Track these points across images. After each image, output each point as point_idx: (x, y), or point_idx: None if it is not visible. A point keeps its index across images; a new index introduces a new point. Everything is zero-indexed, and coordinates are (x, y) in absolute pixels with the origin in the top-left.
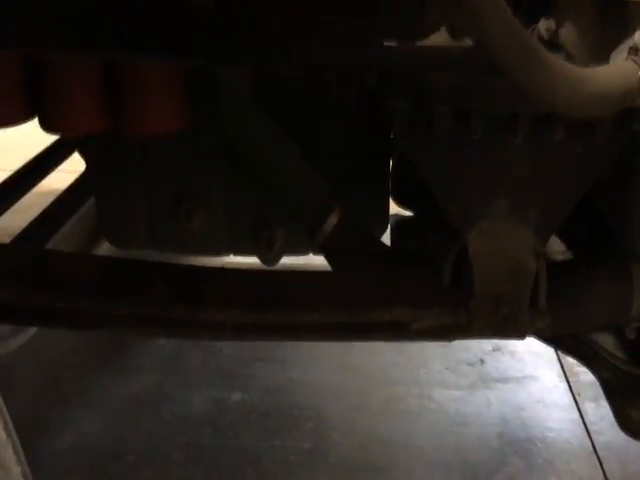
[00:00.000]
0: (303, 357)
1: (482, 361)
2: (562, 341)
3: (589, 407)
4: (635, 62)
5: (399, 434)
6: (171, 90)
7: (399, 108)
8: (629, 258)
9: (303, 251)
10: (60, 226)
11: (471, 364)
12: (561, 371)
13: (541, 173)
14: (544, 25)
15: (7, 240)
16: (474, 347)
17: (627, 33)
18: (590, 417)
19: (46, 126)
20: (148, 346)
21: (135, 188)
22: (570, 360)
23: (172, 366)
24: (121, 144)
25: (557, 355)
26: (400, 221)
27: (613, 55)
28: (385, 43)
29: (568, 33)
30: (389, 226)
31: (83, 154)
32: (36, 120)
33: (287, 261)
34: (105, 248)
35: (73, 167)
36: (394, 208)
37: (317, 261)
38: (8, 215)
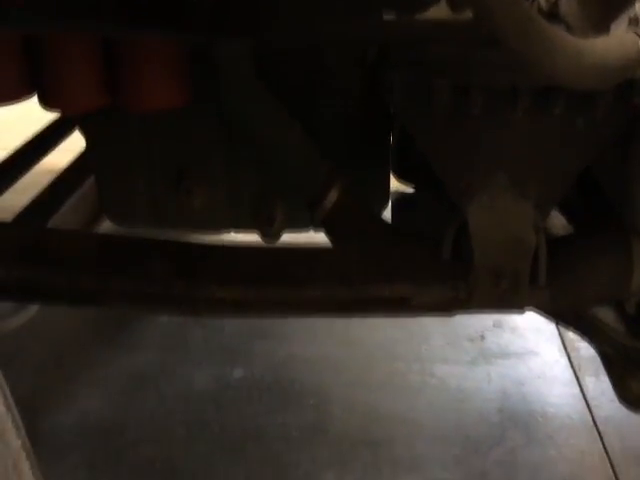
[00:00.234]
0: (304, 333)
1: (483, 337)
2: (562, 315)
3: (590, 382)
4: (635, 33)
5: (400, 409)
6: (171, 66)
7: (398, 82)
8: (629, 232)
9: (304, 227)
10: (61, 204)
11: (472, 340)
12: (562, 346)
13: (541, 147)
14: None
15: (8, 219)
16: (475, 323)
17: (627, 4)
18: (590, 392)
19: (46, 103)
20: (150, 323)
21: (135, 165)
22: (571, 335)
23: (174, 343)
24: (121, 121)
25: (558, 330)
26: (401, 197)
27: (613, 26)
28: (384, 16)
29: (568, 4)
30: (390, 202)
31: (83, 131)
32: (34, 99)
33: (288, 238)
34: (106, 226)
35: (73, 145)
36: (395, 185)
37: (318, 239)
38: (8, 194)
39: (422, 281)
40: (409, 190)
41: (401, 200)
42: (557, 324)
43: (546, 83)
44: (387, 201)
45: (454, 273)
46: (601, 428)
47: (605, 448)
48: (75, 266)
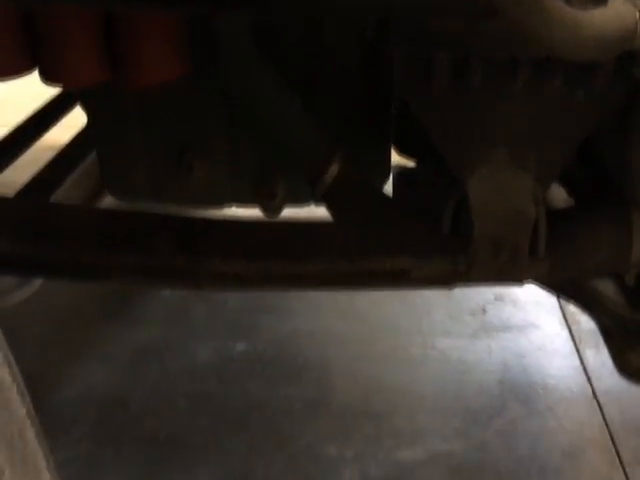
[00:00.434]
0: (307, 307)
1: (484, 310)
2: (562, 288)
3: (590, 354)
4: (633, 4)
5: (401, 381)
6: (171, 40)
7: (398, 56)
8: (629, 204)
9: (305, 202)
10: (62, 180)
11: (473, 313)
12: (563, 319)
13: (541, 119)
14: None
15: (10, 194)
16: (476, 297)
17: None
18: (591, 364)
19: (46, 78)
20: (152, 298)
21: (136, 140)
22: (572, 308)
23: (176, 317)
24: (122, 96)
25: (559, 303)
26: (402, 172)
27: None
28: None
29: None
30: (391, 177)
31: (84, 107)
32: (33, 75)
33: (289, 213)
34: (108, 202)
35: (75, 121)
36: (397, 159)
37: (319, 213)
38: (10, 171)
39: (422, 254)
40: (410, 164)
41: (402, 174)
42: (558, 297)
43: (546, 54)
44: (388, 175)
45: (454, 246)
46: (601, 400)
47: (605, 420)
48: (77, 241)
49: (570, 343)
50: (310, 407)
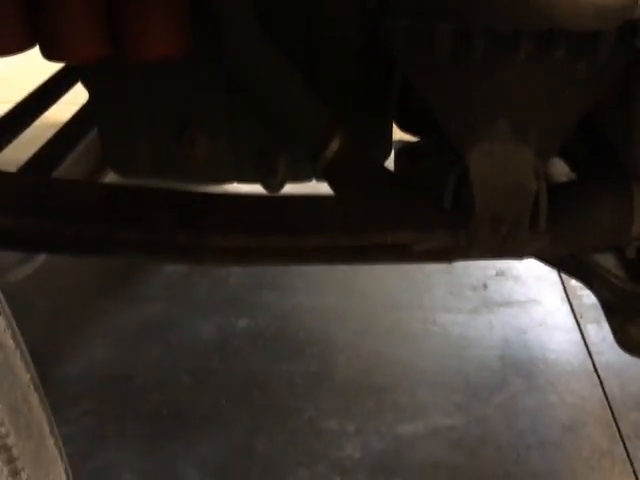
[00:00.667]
0: (309, 284)
1: (485, 286)
2: (563, 262)
3: (591, 329)
4: None
5: (403, 356)
6: (172, 14)
7: (399, 28)
8: (630, 177)
9: (306, 178)
10: (64, 157)
11: (474, 289)
12: (564, 294)
13: (542, 92)
14: None
15: (12, 171)
16: (477, 272)
17: None
18: (592, 338)
19: (47, 53)
20: (155, 275)
21: (138, 116)
22: (573, 283)
23: (179, 294)
24: (123, 72)
25: (560, 279)
26: (404, 147)
27: None
28: None
29: None
30: (393, 152)
31: (85, 83)
32: (35, 52)
33: (290, 189)
34: (110, 178)
35: (77, 98)
36: (399, 135)
37: (321, 190)
38: (12, 148)
39: (423, 229)
40: (412, 139)
41: (404, 149)
42: (559, 272)
43: (547, 26)
44: (390, 151)
45: (455, 220)
46: (601, 374)
47: (605, 394)
48: (78, 216)
49: (571, 318)
50: (312, 382)
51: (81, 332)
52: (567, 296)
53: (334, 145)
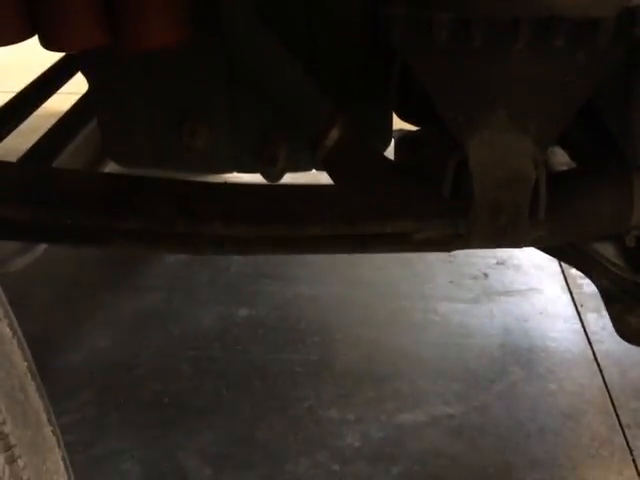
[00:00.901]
0: (310, 273)
1: (486, 275)
2: (563, 251)
3: (591, 318)
4: None
5: (404, 345)
6: (170, 2)
7: (398, 16)
8: (630, 166)
9: (306, 168)
10: (64, 146)
11: (475, 278)
12: (564, 283)
13: (542, 80)
14: None
15: (13, 161)
16: (478, 261)
17: None
18: (592, 327)
19: (45, 43)
20: (156, 264)
21: (137, 106)
22: (574, 272)
23: (180, 283)
24: (123, 62)
25: (561, 268)
26: (404, 135)
27: None
28: None
29: None
30: (393, 141)
31: (85, 73)
32: (36, 41)
33: (291, 179)
34: (110, 168)
35: (77, 88)
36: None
37: (322, 180)
38: (12, 137)
39: (423, 218)
40: (412, 128)
41: (404, 138)
42: (560, 262)
43: (546, 14)
44: (389, 140)
45: (454, 209)
46: (601, 362)
47: (605, 382)
48: (78, 206)
49: (571, 307)
50: (312, 371)
51: (82, 322)
52: (567, 285)
53: (334, 134)
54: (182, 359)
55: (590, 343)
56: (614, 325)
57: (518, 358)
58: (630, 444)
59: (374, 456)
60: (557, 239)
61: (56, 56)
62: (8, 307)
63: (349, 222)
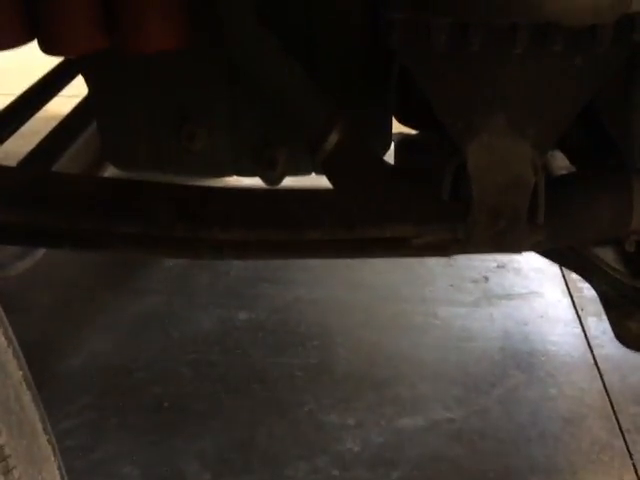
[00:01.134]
0: (310, 277)
1: (486, 278)
2: (562, 255)
3: (592, 322)
4: None
5: (404, 349)
6: (169, 6)
7: (398, 21)
8: (629, 170)
9: (305, 171)
10: (65, 150)
11: (475, 282)
12: (565, 287)
13: (540, 85)
14: None
15: (13, 164)
16: (478, 265)
17: None
18: (592, 331)
19: (45, 47)
20: (156, 268)
21: (137, 110)
22: (574, 276)
23: (180, 287)
24: (122, 65)
25: (561, 271)
26: (404, 139)
27: None
28: None
29: None
30: (393, 144)
31: (85, 76)
32: (30, 45)
33: (291, 183)
34: (110, 172)
35: (79, 91)
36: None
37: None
38: (13, 140)
39: (422, 222)
40: (411, 132)
41: (404, 142)
42: (560, 265)
43: (543, 20)
44: (389, 143)
45: (453, 214)
46: (601, 367)
47: (605, 386)
48: (77, 210)
49: (572, 311)
50: (312, 375)
51: (81, 325)
52: (568, 289)
53: (333, 138)
54: (182, 363)
55: (590, 347)
56: (614, 330)
57: (518, 362)
58: (630, 449)
59: (374, 461)
60: (556, 244)
61: (56, 59)
62: (3, 316)
63: (348, 226)
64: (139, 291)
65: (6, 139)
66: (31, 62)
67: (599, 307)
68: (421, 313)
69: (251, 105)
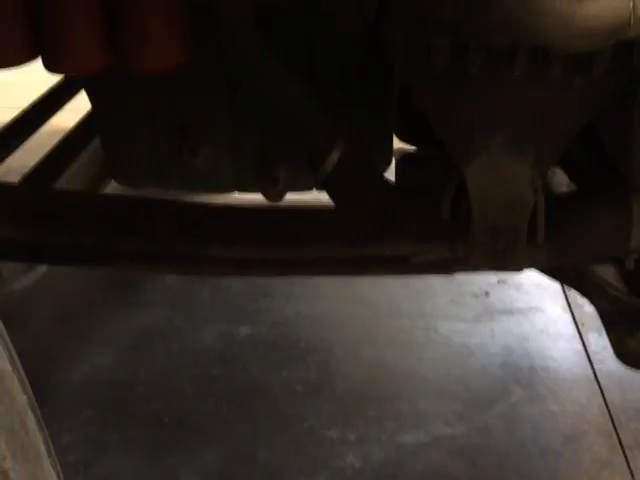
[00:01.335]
0: (311, 292)
1: (487, 294)
2: (563, 273)
3: (592, 338)
4: None
5: (404, 364)
6: (172, 23)
7: (398, 42)
8: (629, 189)
9: (307, 188)
10: (68, 165)
11: (476, 297)
12: (566, 303)
13: (540, 106)
14: None
15: (17, 179)
16: (479, 280)
17: None
18: (593, 347)
19: (49, 66)
20: (158, 283)
21: (139, 125)
22: (575, 292)
23: (181, 302)
24: (125, 81)
25: (562, 288)
26: (405, 156)
27: None
28: None
29: None
30: (393, 161)
31: (88, 92)
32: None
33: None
34: (113, 187)
35: (83, 105)
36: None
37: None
38: (17, 154)
39: (422, 241)
40: (413, 149)
41: (405, 159)
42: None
43: (539, 45)
44: (390, 159)
45: (453, 233)
46: (602, 383)
47: (606, 403)
48: (78, 227)
49: (572, 326)
50: (313, 390)
51: (83, 340)
52: (569, 304)
53: (334, 155)
54: (183, 377)
55: (591, 363)
56: (614, 348)
57: (519, 378)
58: (631, 465)
59: (375, 477)
60: (557, 263)
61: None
62: (8, 341)
63: (349, 244)
64: (140, 306)
65: (10, 153)
66: (34, 75)
67: (600, 323)
68: (421, 328)
69: (252, 121)
